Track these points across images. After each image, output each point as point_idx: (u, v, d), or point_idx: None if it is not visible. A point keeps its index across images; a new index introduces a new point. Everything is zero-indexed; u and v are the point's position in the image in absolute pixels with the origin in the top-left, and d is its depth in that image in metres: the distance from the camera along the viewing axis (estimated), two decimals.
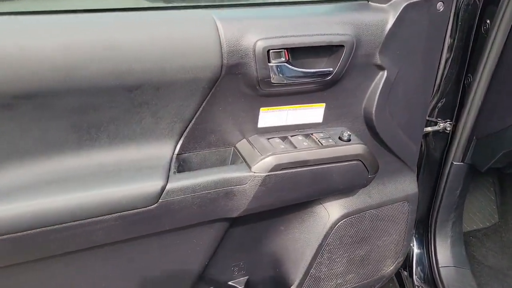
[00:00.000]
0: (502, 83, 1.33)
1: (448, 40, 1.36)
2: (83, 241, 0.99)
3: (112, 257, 1.10)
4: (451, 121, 1.51)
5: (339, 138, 1.19)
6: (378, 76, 1.18)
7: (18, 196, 0.91)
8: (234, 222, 1.22)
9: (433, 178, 1.62)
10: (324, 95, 1.17)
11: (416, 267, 1.70)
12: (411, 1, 1.12)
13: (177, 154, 1.08)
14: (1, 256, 0.93)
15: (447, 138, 1.54)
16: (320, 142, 1.16)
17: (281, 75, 1.05)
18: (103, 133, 0.99)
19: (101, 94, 0.93)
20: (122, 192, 0.98)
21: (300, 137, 1.18)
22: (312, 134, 1.19)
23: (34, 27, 0.87)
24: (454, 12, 1.29)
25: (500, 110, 1.37)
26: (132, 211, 0.99)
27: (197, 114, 1.05)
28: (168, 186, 1.02)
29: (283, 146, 1.14)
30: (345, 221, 1.35)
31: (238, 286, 1.42)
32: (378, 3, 1.15)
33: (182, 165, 1.11)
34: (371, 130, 1.28)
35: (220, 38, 0.97)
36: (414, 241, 1.72)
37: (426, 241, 1.70)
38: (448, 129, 1.51)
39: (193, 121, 1.06)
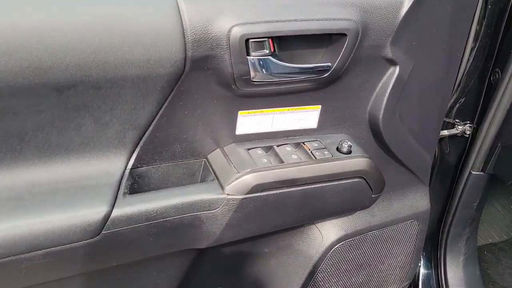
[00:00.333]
0: None
1: (474, 27, 1.17)
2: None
3: None
4: (471, 123, 1.37)
5: (337, 149, 1.01)
6: (388, 73, 1.00)
7: None
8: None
9: (446, 188, 1.48)
10: (319, 96, 0.98)
11: None
12: None
13: (131, 169, 0.88)
14: None
15: (465, 143, 1.40)
16: (313, 154, 0.97)
17: (264, 71, 0.86)
18: (29, 144, 0.79)
19: (20, 95, 0.73)
20: (53, 222, 0.78)
21: (288, 148, 0.98)
22: (303, 143, 1.00)
23: None
24: None
25: None
26: (65, 246, 0.78)
27: (156, 119, 0.86)
28: (115, 213, 0.82)
29: (266, 160, 0.93)
30: (342, 244, 1.19)
31: None
32: None
33: (137, 182, 0.91)
34: (377, 138, 1.09)
35: (182, 22, 0.78)
36: (422, 260, 1.57)
37: (435, 260, 1.56)
38: (468, 132, 1.37)
39: (151, 128, 0.87)
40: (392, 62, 0.97)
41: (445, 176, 1.46)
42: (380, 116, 1.03)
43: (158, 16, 0.77)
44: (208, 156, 0.96)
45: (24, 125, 0.76)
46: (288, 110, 0.97)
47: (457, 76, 1.20)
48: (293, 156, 0.96)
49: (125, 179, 0.87)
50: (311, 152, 0.97)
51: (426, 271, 1.55)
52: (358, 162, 0.99)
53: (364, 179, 1.01)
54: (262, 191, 0.91)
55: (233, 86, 0.86)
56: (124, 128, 0.84)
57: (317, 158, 0.96)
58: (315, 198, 0.98)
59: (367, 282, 1.30)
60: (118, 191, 0.84)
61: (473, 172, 1.38)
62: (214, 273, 1.18)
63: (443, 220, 1.50)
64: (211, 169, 0.94)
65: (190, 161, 0.96)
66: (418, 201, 1.28)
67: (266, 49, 0.84)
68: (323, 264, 1.17)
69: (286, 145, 0.98)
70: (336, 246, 1.17)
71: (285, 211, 0.96)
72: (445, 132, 1.35)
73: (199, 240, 0.93)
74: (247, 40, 0.81)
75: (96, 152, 0.84)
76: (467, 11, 1.06)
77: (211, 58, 0.81)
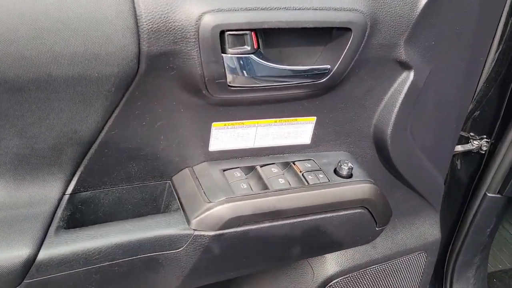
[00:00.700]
0: None
1: (501, 27, 1.03)
2: None
3: None
4: (488, 138, 1.26)
5: (335, 171, 0.84)
6: (401, 79, 0.84)
7: None
8: None
9: (455, 211, 1.37)
10: (315, 105, 0.82)
11: None
12: None
13: (71, 194, 0.71)
14: None
15: (480, 161, 1.30)
16: (305, 178, 0.81)
17: (244, 73, 0.69)
18: None
19: None
20: None
21: (274, 169, 0.81)
22: (294, 163, 0.83)
23: None
24: None
25: None
26: None
27: (104, 132, 0.69)
28: (41, 255, 0.64)
29: (245, 185, 0.76)
30: (337, 281, 1.03)
31: None
32: None
33: (80, 211, 0.74)
34: (383, 157, 0.93)
35: (134, 8, 0.60)
36: None
37: None
38: (484, 149, 1.26)
39: (96, 143, 0.70)
40: (406, 66, 0.82)
41: (455, 196, 1.34)
42: (389, 131, 0.87)
43: None
44: (173, 178, 0.78)
45: None
46: (275, 122, 0.80)
47: (477, 83, 1.04)
48: (280, 180, 0.78)
49: (61, 209, 0.69)
50: (302, 174, 0.80)
51: None
52: (360, 188, 0.82)
53: (367, 209, 0.84)
54: (239, 225, 0.72)
55: (204, 92, 0.68)
56: (59, 142, 0.66)
57: (310, 183, 0.78)
58: (306, 233, 0.81)
59: None
60: (50, 225, 0.66)
61: (488, 194, 1.28)
62: None
63: (451, 247, 1.38)
64: (176, 196, 0.75)
65: (150, 184, 0.78)
66: (427, 230, 1.13)
67: (248, 45, 0.68)
68: None
69: (271, 165, 0.82)
70: (330, 284, 1.02)
71: (269, 249, 0.79)
72: (458, 148, 1.22)
73: (154, 287, 0.74)
74: (222, 33, 0.65)
75: (22, 174, 0.67)
76: (495, 7, 0.91)
77: (174, 54, 0.63)
